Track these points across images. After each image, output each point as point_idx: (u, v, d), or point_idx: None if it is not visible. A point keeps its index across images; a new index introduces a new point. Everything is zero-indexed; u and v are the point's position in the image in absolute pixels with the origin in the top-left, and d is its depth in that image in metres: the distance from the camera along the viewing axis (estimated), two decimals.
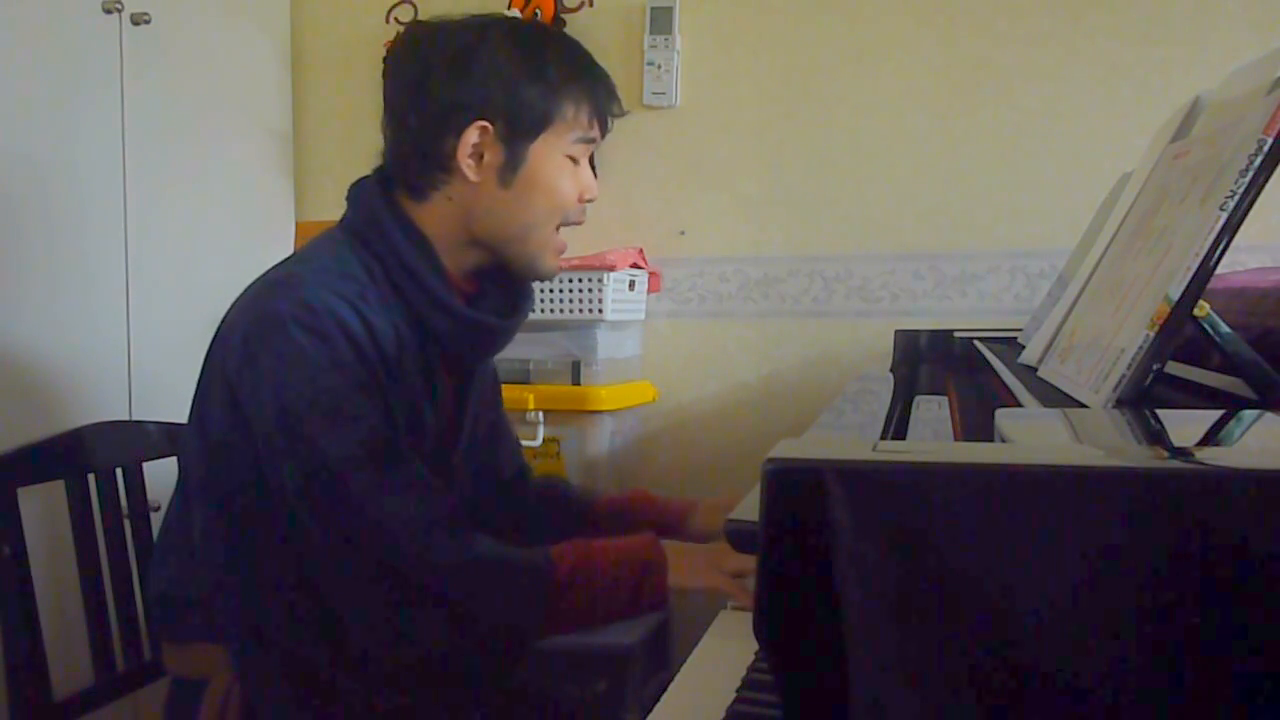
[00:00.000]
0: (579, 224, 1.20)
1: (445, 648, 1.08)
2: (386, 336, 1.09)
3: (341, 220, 1.18)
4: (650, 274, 2.18)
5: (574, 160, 1.16)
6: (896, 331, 1.79)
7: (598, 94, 1.16)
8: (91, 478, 1.30)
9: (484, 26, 1.14)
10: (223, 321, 1.13)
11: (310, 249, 1.16)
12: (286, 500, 1.06)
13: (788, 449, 0.42)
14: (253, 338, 1.06)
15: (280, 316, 1.04)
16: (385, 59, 1.17)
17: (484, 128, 1.11)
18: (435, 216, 1.15)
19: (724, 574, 1.07)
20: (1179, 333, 0.65)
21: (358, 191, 1.17)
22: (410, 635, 1.07)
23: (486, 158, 1.13)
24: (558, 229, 1.18)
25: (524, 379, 2.03)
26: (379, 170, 1.18)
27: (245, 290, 1.13)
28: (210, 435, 1.10)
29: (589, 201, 1.20)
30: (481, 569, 1.05)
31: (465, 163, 1.12)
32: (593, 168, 1.21)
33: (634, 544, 1.10)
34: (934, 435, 1.01)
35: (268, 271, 1.14)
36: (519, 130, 1.12)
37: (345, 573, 1.07)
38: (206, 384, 1.12)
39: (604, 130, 1.19)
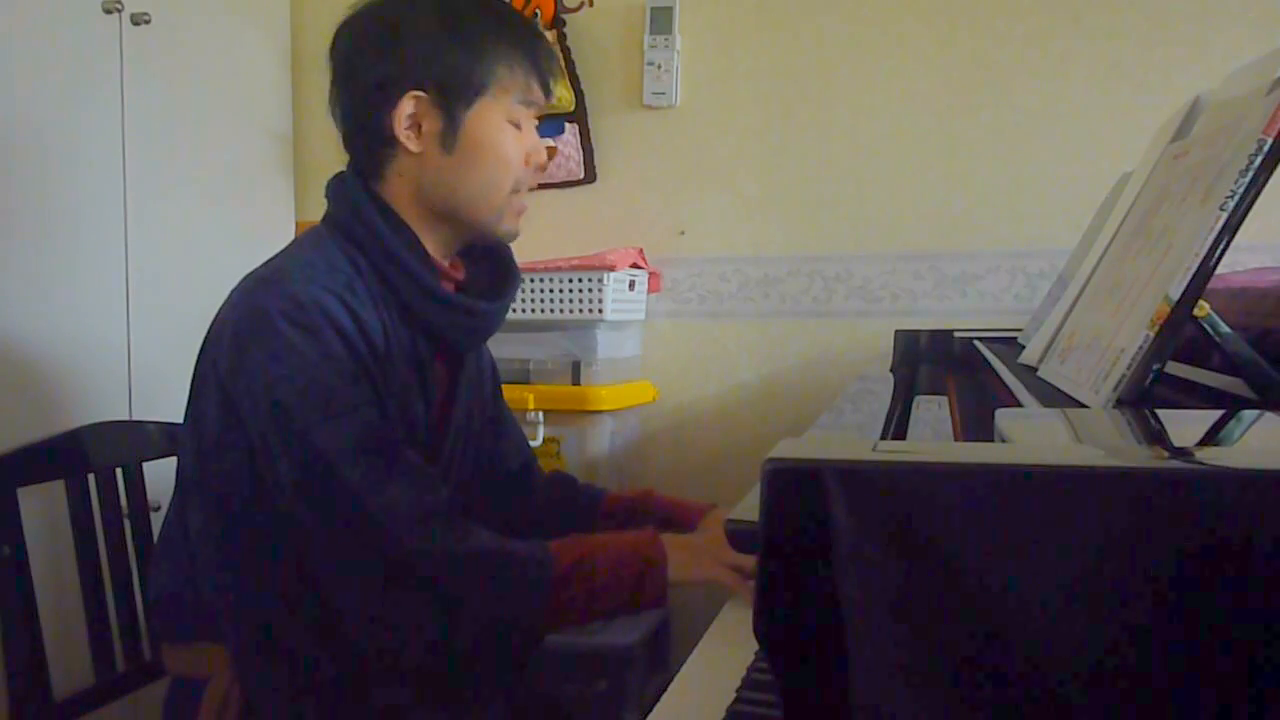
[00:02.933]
0: (532, 189, 1.20)
1: (444, 643, 1.08)
2: (375, 328, 1.10)
3: (324, 216, 1.18)
4: (650, 274, 2.18)
5: (517, 124, 1.17)
6: (896, 331, 1.79)
7: (532, 54, 1.17)
8: (91, 478, 1.30)
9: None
10: (213, 320, 1.13)
11: (295, 245, 1.17)
12: (282, 497, 1.06)
13: (788, 449, 0.42)
14: (242, 334, 1.06)
15: (268, 312, 1.05)
16: (329, 48, 1.18)
17: (418, 97, 1.12)
18: (396, 195, 1.16)
19: (726, 566, 1.07)
20: (1179, 333, 0.65)
21: (336, 186, 1.18)
22: (409, 630, 1.07)
23: (425, 126, 1.14)
24: (513, 194, 1.18)
25: (524, 379, 2.03)
26: (351, 163, 1.19)
27: (234, 288, 1.13)
28: (204, 434, 1.10)
29: (540, 166, 1.20)
30: (481, 561, 1.05)
31: (404, 134, 1.13)
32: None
33: (635, 540, 1.11)
34: (934, 435, 1.01)
35: (255, 269, 1.14)
36: (452, 96, 1.13)
37: (343, 567, 1.07)
38: (199, 383, 1.13)
39: (546, 91, 1.20)
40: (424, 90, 1.13)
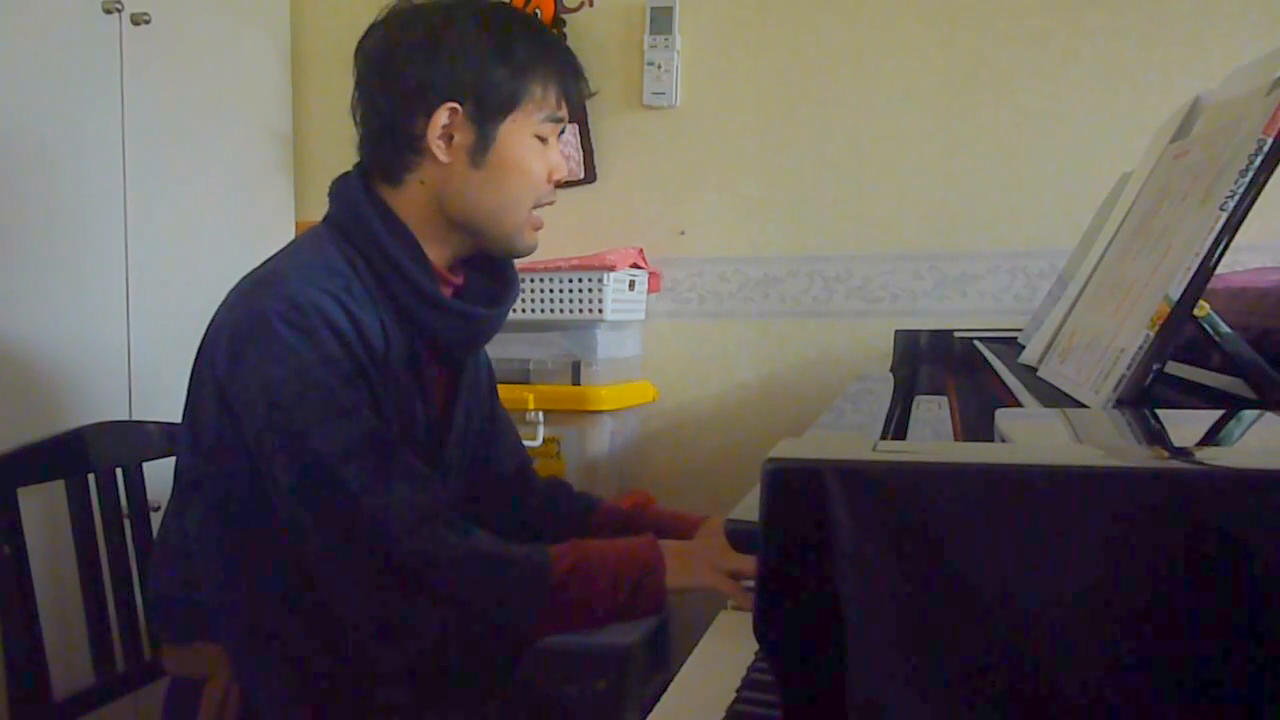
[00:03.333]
0: (550, 204, 1.20)
1: (441, 644, 1.08)
2: (373, 330, 1.10)
3: (325, 217, 1.18)
4: (650, 274, 2.18)
5: (543, 140, 1.17)
6: (896, 331, 1.79)
7: (564, 74, 1.17)
8: (91, 478, 1.30)
9: (450, 8, 1.15)
10: (211, 322, 1.13)
11: (294, 246, 1.17)
12: (280, 498, 1.06)
13: (788, 449, 0.42)
14: (240, 337, 1.06)
15: (266, 314, 1.05)
16: (358, 43, 1.18)
17: (453, 109, 1.12)
18: (410, 201, 1.16)
19: (722, 574, 1.07)
20: (1179, 333, 0.65)
21: (339, 187, 1.18)
22: (406, 631, 1.07)
23: (456, 139, 1.14)
24: (532, 208, 1.18)
25: (524, 379, 2.02)
26: (358, 165, 1.19)
27: (232, 290, 1.13)
28: (202, 435, 1.10)
29: (559, 182, 1.20)
30: (479, 563, 1.05)
31: (435, 144, 1.13)
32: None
33: (633, 546, 1.10)
34: (934, 435, 1.01)
35: (253, 270, 1.14)
36: (488, 111, 1.13)
37: (340, 568, 1.07)
38: (196, 385, 1.13)
39: (571, 110, 1.20)
40: (461, 103, 1.12)
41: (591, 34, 2.23)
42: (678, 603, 1.11)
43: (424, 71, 1.12)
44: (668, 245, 2.21)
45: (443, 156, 1.13)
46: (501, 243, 1.19)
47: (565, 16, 2.23)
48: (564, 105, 1.18)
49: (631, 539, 1.12)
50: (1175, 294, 0.64)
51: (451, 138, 1.13)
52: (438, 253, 1.18)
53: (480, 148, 1.14)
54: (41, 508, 1.37)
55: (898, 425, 1.07)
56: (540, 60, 1.15)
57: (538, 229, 1.21)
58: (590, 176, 2.24)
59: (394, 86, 1.14)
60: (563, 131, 1.22)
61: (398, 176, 1.16)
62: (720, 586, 1.07)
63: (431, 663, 1.09)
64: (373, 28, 1.17)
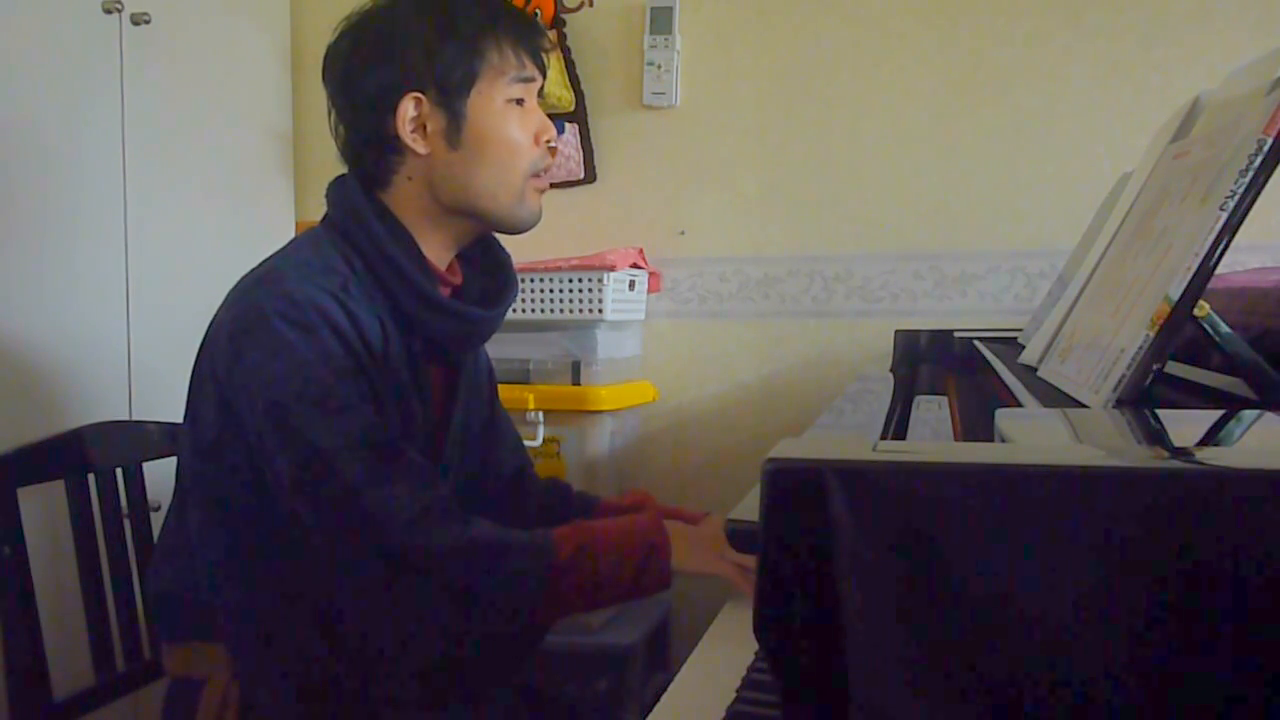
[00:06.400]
0: (547, 169, 1.19)
1: (448, 639, 1.08)
2: (371, 328, 1.10)
3: (323, 218, 1.19)
4: (650, 274, 2.18)
5: (519, 103, 1.16)
6: (896, 331, 1.79)
7: (517, 31, 1.16)
8: (91, 478, 1.30)
9: (391, 5, 1.16)
10: (212, 321, 1.13)
11: (292, 246, 1.17)
12: (281, 495, 1.06)
13: (788, 449, 0.42)
14: (238, 334, 1.06)
15: (264, 311, 1.05)
16: (322, 72, 1.19)
17: (417, 98, 1.13)
18: (404, 200, 1.16)
19: (729, 562, 1.07)
20: (1179, 333, 0.65)
21: (337, 188, 1.18)
22: (409, 626, 1.07)
23: (430, 127, 1.14)
24: (529, 177, 1.17)
25: (524, 379, 2.03)
26: (353, 170, 1.19)
27: (231, 289, 1.14)
28: (203, 434, 1.11)
29: (550, 143, 1.19)
30: (481, 550, 1.05)
31: (410, 137, 1.13)
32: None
33: (638, 524, 1.11)
34: (934, 435, 1.01)
35: (252, 269, 1.14)
36: (450, 90, 1.13)
37: (342, 564, 1.07)
38: (197, 383, 1.13)
39: (539, 65, 1.19)
40: (423, 91, 1.13)
41: (591, 34, 2.23)
42: (680, 596, 1.11)
43: (380, 74, 1.13)
44: (668, 245, 2.21)
45: (420, 148, 1.14)
46: (504, 218, 1.18)
47: (565, 16, 2.23)
48: (528, 62, 1.17)
49: (636, 517, 1.13)
50: (1175, 294, 0.64)
51: (425, 127, 1.14)
52: (442, 245, 1.18)
53: (454, 128, 1.14)
54: (41, 508, 1.37)
55: (898, 425, 1.07)
56: (488, 26, 1.14)
57: (542, 191, 1.20)
58: (590, 176, 2.24)
59: (357, 96, 1.15)
60: (542, 91, 1.21)
61: (386, 179, 1.16)
62: (727, 574, 1.07)
63: (436, 658, 1.09)
64: (329, 52, 1.18)
